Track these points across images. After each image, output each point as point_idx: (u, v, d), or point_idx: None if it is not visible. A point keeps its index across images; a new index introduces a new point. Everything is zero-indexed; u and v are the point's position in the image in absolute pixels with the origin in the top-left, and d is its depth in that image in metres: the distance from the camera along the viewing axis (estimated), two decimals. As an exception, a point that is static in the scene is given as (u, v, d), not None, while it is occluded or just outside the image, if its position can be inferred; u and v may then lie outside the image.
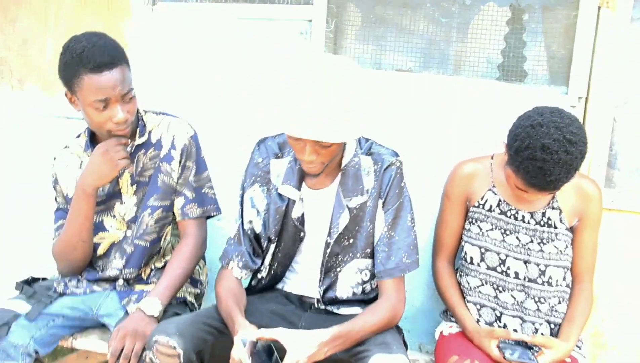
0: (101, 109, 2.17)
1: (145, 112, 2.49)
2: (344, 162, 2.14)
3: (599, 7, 2.51)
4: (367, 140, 2.25)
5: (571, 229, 2.34)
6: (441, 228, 2.49)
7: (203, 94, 2.86)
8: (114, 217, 2.43)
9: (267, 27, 2.74)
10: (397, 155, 2.19)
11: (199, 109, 2.87)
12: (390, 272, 2.16)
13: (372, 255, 2.22)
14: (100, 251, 2.46)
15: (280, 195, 2.21)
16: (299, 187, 2.18)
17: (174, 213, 2.48)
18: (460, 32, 2.65)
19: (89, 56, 2.14)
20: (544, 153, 2.04)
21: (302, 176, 2.19)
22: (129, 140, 2.36)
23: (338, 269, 2.22)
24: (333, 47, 2.73)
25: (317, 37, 2.70)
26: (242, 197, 2.27)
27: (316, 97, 1.83)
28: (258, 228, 2.25)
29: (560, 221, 2.31)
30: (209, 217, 2.51)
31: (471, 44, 2.65)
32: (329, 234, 2.17)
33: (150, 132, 2.43)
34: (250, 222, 2.24)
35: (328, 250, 2.20)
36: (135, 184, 2.41)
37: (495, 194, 2.37)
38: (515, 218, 2.35)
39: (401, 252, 2.16)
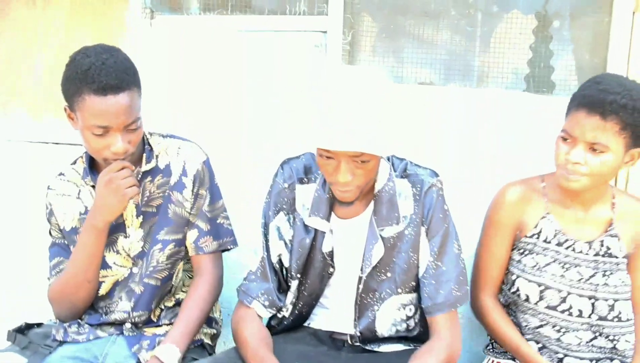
0: (100, 134, 1.94)
1: (151, 134, 2.25)
2: (377, 186, 1.93)
3: (634, 12, 2.35)
4: (401, 160, 2.02)
5: (625, 256, 2.15)
6: (486, 260, 2.24)
7: (206, 113, 2.64)
8: (118, 252, 2.18)
9: (278, 40, 2.54)
10: (436, 175, 1.99)
11: (201, 129, 2.64)
12: (440, 306, 1.94)
13: (416, 289, 2.01)
14: (102, 291, 2.19)
15: (305, 226, 2.00)
16: (328, 218, 1.97)
17: (185, 247, 2.24)
18: (483, 42, 2.48)
19: (94, 75, 1.90)
20: (605, 79, 1.96)
21: (332, 205, 1.98)
22: (134, 167, 2.10)
23: (376, 307, 2.00)
24: (349, 60, 2.56)
25: (333, 50, 2.52)
26: (266, 228, 2.05)
27: (352, 106, 1.66)
28: (287, 262, 2.03)
29: (619, 249, 2.13)
30: (224, 250, 2.28)
31: (496, 54, 2.48)
32: (362, 268, 1.96)
33: (157, 157, 2.19)
34: (279, 255, 2.03)
35: (361, 286, 1.97)
36: (142, 216, 2.16)
37: (551, 223, 2.15)
38: (574, 250, 2.13)
39: (450, 284, 1.94)
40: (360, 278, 1.98)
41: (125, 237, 2.20)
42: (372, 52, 2.55)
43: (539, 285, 2.14)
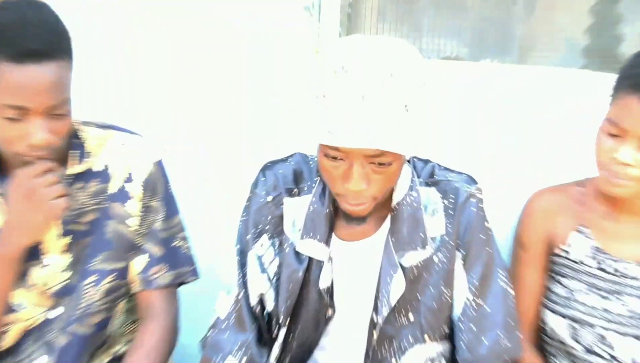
0: (13, 118, 1.53)
1: (83, 124, 1.77)
2: (396, 197, 1.60)
3: None
4: (425, 162, 1.70)
5: None
6: (519, 293, 1.90)
7: (159, 98, 2.24)
8: (29, 288, 1.71)
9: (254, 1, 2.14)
10: (474, 181, 1.66)
11: (153, 119, 2.23)
12: (484, 360, 1.60)
13: (449, 336, 1.66)
14: (7, 343, 1.73)
15: (297, 253, 1.64)
16: (327, 241, 1.62)
17: (129, 281, 1.79)
18: (527, 6, 2.19)
19: (12, 38, 1.51)
20: None
21: (332, 223, 1.64)
22: (56, 167, 1.65)
23: (394, 362, 1.64)
24: (349, 28, 2.20)
25: (329, 14, 2.13)
26: (243, 257, 1.70)
27: (372, 90, 1.35)
28: (271, 304, 1.67)
29: None
30: (181, 284, 1.84)
31: (543, 21, 2.19)
32: (376, 309, 1.60)
33: (91, 155, 1.74)
34: (261, 295, 1.68)
35: (376, 333, 1.61)
36: (70, 236, 1.70)
37: (587, 238, 1.85)
38: (618, 274, 1.82)
39: (496, 331, 1.61)
40: (374, 323, 1.61)
41: (42, 266, 1.70)
42: (380, 17, 2.23)
43: (574, 322, 1.82)
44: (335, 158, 1.43)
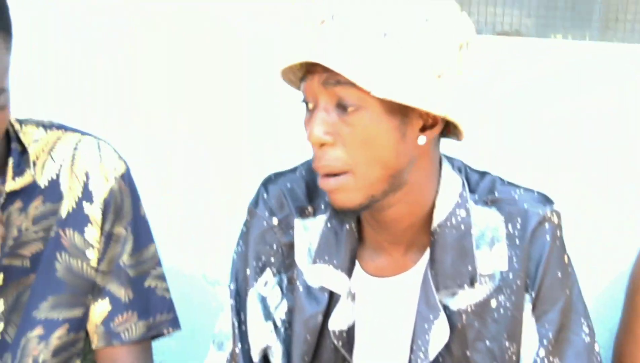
0: None
1: (23, 124, 1.45)
2: (438, 217, 1.35)
3: None
4: (482, 174, 1.43)
5: None
6: (634, 353, 1.64)
7: (159, 98, 2.02)
8: None
9: None
10: (549, 201, 1.40)
11: (153, 119, 2.01)
12: None
13: None
14: None
15: (312, 291, 1.40)
16: (348, 270, 1.37)
17: (86, 333, 1.48)
18: None
19: None
20: None
21: (355, 249, 1.38)
22: None
23: None
24: None
25: None
26: (239, 299, 1.45)
27: (341, 10, 1.23)
28: (279, 361, 1.44)
29: None
30: (156, 336, 1.53)
31: None
32: None
33: (34, 165, 1.42)
34: (265, 349, 1.44)
35: None
36: (1, 275, 1.39)
37: None
38: None
39: None
40: None
41: None
42: None
43: None
44: (310, 110, 1.24)
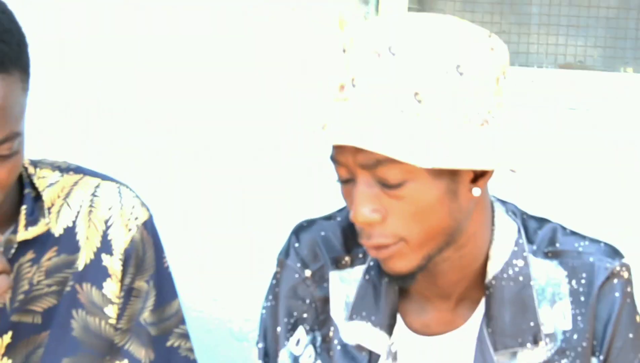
0: None
1: (37, 166, 1.39)
2: (493, 268, 1.29)
3: None
4: (541, 221, 1.34)
5: None
6: None
7: (130, 125, 2.02)
8: None
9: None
10: (618, 254, 1.32)
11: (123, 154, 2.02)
12: None
13: None
14: None
15: (350, 351, 1.35)
16: (388, 327, 1.33)
17: None
18: None
19: None
20: None
21: (396, 303, 1.33)
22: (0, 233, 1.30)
23: None
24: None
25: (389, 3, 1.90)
26: (267, 359, 1.40)
27: (364, 71, 1.19)
28: None
29: None
30: None
31: None
32: None
33: (49, 212, 1.36)
34: None
35: None
36: (10, 332, 1.34)
37: None
38: None
39: None
40: None
41: None
42: (468, 4, 1.94)
43: None
44: (344, 181, 1.19)
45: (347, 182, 1.18)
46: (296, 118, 2.03)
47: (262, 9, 2.01)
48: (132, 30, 2.13)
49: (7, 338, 1.33)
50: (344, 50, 1.21)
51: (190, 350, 1.43)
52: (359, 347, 1.35)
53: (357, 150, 1.13)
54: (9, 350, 1.34)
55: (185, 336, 1.44)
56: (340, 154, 1.16)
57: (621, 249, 1.34)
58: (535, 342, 1.30)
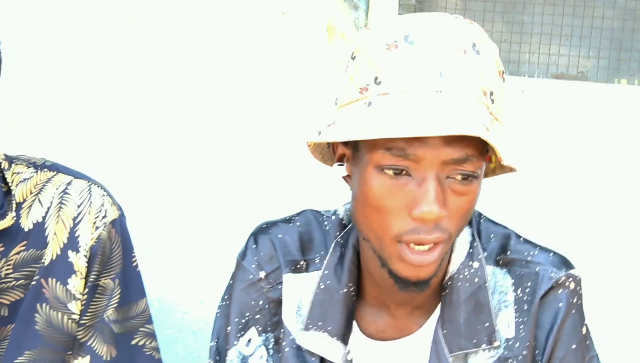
0: None
1: (11, 161, 1.43)
2: (451, 269, 1.33)
3: None
4: (497, 226, 1.38)
5: None
6: None
7: (117, 125, 1.99)
8: None
9: None
10: (566, 265, 1.34)
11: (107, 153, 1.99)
12: None
13: None
14: None
15: (300, 354, 1.38)
16: (344, 335, 1.34)
17: None
18: None
19: None
20: None
21: (352, 310, 1.36)
22: None
23: None
24: None
25: (383, 4, 1.88)
26: (218, 357, 1.42)
27: (452, 65, 1.19)
28: None
29: None
30: None
31: None
32: None
33: (20, 207, 1.39)
34: None
35: None
36: None
37: None
38: None
39: None
40: None
41: None
42: (460, 12, 1.89)
43: None
44: (398, 172, 1.16)
45: (399, 177, 1.19)
46: (291, 122, 2.04)
47: (251, 13, 1.99)
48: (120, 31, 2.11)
49: None
50: (406, 40, 1.20)
51: (156, 349, 1.45)
52: (311, 352, 1.36)
53: (446, 145, 1.14)
54: None
55: (151, 335, 1.45)
56: (419, 147, 1.15)
57: (572, 260, 1.34)
58: (490, 342, 1.30)
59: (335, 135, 1.17)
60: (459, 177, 1.18)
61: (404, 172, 1.17)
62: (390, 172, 1.16)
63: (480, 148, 1.14)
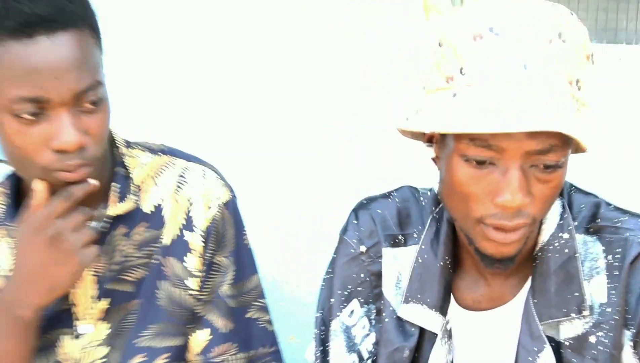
0: (29, 119, 1.28)
1: (130, 145, 1.50)
2: (540, 241, 1.33)
3: None
4: (587, 196, 1.37)
5: None
6: None
7: (216, 103, 1.98)
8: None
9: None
10: None
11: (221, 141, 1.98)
12: None
13: None
14: None
15: (401, 324, 1.39)
16: (442, 307, 1.37)
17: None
18: None
19: (9, 5, 1.26)
20: None
21: (449, 282, 1.37)
22: (94, 208, 1.38)
23: None
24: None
25: None
26: (325, 328, 1.45)
27: (537, 57, 1.17)
28: None
29: None
30: None
31: None
32: None
33: (139, 191, 1.46)
34: None
35: None
36: (108, 299, 1.44)
37: None
38: None
39: None
40: None
41: (73, 337, 1.44)
42: None
43: None
44: (481, 162, 1.18)
45: (483, 166, 1.20)
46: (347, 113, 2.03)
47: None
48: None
49: (104, 304, 1.43)
50: (492, 31, 1.18)
51: (269, 322, 1.52)
52: (411, 323, 1.38)
53: (529, 137, 1.14)
54: (106, 315, 1.44)
55: (264, 309, 1.53)
56: (503, 139, 1.15)
57: None
58: (580, 311, 1.29)
59: (421, 125, 1.20)
60: (542, 166, 1.18)
61: (488, 161, 1.18)
62: (474, 162, 1.18)
63: (564, 137, 1.14)
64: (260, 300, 1.52)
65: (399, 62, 1.80)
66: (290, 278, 1.96)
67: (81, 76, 1.27)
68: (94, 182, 1.31)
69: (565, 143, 1.15)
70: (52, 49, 1.25)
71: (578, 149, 1.23)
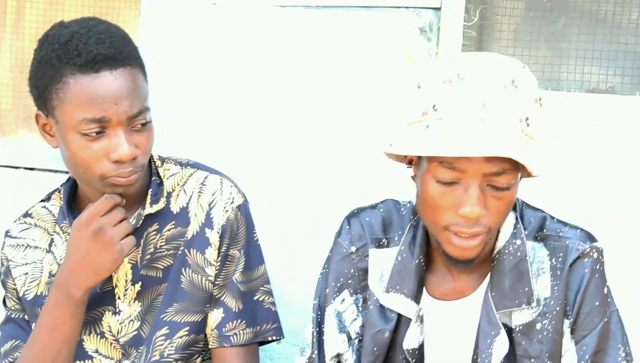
0: (93, 136, 1.57)
1: (163, 160, 1.79)
2: (498, 246, 1.55)
3: None
4: (535, 210, 1.61)
5: None
6: None
7: (243, 126, 2.22)
8: (102, 335, 1.73)
9: (364, 20, 2.06)
10: (592, 239, 1.56)
11: (233, 150, 2.21)
12: None
13: None
14: None
15: (382, 311, 1.61)
16: (416, 297, 1.59)
17: (206, 336, 1.77)
18: None
19: (79, 47, 1.57)
20: None
21: (422, 277, 1.59)
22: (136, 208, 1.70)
23: None
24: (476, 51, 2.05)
25: (450, 36, 1.99)
26: (320, 313, 1.66)
27: (493, 98, 1.39)
28: None
29: None
30: (263, 343, 1.81)
31: None
32: None
33: (169, 195, 1.75)
34: (338, 356, 1.64)
35: None
36: (140, 282, 1.72)
37: None
38: None
39: None
40: None
41: (115, 313, 1.73)
42: (511, 41, 2.01)
43: None
44: (448, 183, 1.40)
45: (449, 184, 1.42)
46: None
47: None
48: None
49: (137, 287, 1.72)
50: (458, 77, 1.39)
51: (273, 303, 1.81)
52: (390, 310, 1.60)
53: (486, 161, 1.37)
54: (139, 296, 1.73)
55: (269, 293, 1.81)
56: (464, 163, 1.38)
57: (596, 236, 1.56)
58: (529, 303, 1.52)
59: (401, 150, 1.44)
60: (496, 186, 1.41)
61: (453, 180, 1.40)
62: (441, 183, 1.41)
63: (514, 163, 1.37)
64: (266, 286, 1.80)
65: (397, 68, 1.92)
66: (292, 271, 2.18)
67: (134, 103, 1.58)
68: (118, 198, 1.62)
69: (515, 167, 1.38)
70: (113, 81, 1.57)
71: (529, 174, 1.45)
